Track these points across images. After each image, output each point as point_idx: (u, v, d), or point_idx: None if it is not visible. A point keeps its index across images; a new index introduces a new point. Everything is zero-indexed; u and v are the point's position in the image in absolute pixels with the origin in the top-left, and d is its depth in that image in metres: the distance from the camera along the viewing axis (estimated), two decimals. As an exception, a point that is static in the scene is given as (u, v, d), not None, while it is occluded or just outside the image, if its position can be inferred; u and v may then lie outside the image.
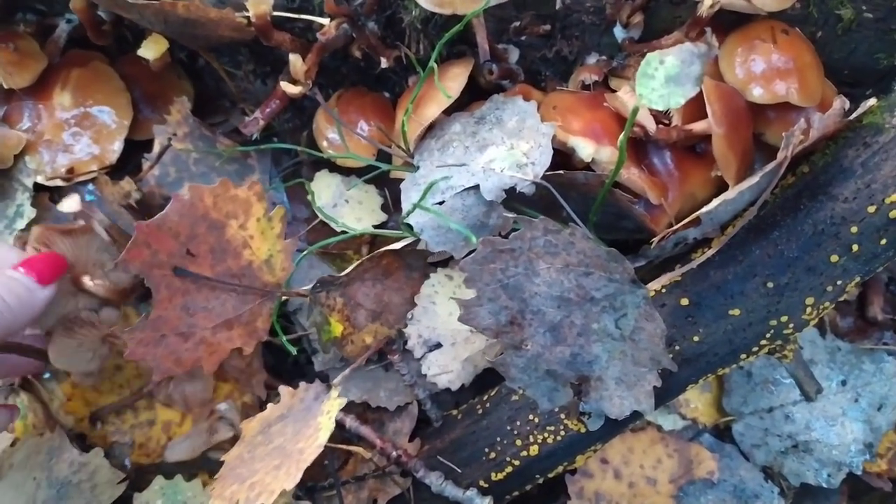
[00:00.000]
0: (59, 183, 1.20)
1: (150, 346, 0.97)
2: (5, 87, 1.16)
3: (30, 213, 1.19)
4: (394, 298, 1.15)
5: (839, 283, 0.94)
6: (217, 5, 1.05)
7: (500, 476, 1.08)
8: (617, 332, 0.92)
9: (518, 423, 1.07)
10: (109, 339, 1.02)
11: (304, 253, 1.15)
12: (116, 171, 1.24)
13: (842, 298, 0.98)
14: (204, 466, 1.14)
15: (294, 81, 1.05)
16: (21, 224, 1.18)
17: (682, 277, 0.99)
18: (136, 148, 1.26)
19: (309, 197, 1.24)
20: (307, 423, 0.94)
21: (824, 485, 1.21)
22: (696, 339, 0.98)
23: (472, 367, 1.17)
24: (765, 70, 0.96)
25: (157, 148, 1.21)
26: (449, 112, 1.08)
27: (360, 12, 1.05)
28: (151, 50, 1.08)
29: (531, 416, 1.07)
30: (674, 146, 1.00)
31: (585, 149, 0.97)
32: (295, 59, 1.02)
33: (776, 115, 1.01)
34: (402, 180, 1.08)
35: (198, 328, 0.99)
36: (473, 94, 1.11)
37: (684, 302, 0.98)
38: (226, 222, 0.99)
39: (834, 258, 0.93)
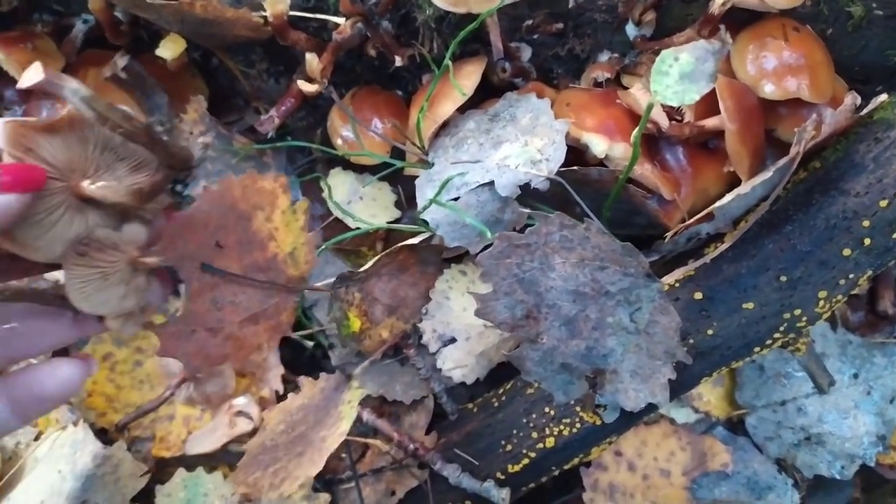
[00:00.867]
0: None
1: (181, 341, 0.96)
2: (24, 86, 1.18)
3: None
4: (409, 293, 1.17)
5: (851, 276, 0.95)
6: (234, 5, 1.07)
7: (516, 468, 1.09)
8: (632, 326, 0.93)
9: (534, 415, 1.09)
10: (140, 264, 0.76)
11: (322, 248, 1.16)
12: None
13: (854, 292, 0.99)
14: (224, 459, 1.15)
15: (310, 80, 1.07)
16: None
17: (695, 272, 1.00)
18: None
19: (324, 193, 1.26)
20: (329, 412, 0.96)
21: (837, 476, 1.22)
22: (709, 332, 0.99)
23: (487, 362, 1.19)
24: (776, 67, 0.97)
25: (174, 146, 1.22)
26: (462, 110, 1.09)
27: (374, 11, 1.06)
28: (169, 50, 1.10)
29: (547, 409, 1.08)
30: (686, 142, 1.01)
31: (599, 145, 0.99)
32: (311, 59, 1.04)
33: (787, 112, 1.02)
34: (415, 177, 1.09)
35: (225, 323, 0.99)
36: (486, 92, 1.12)
37: (698, 296, 0.99)
38: (252, 213, 0.99)
39: (846, 252, 0.94)
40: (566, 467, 1.12)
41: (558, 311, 0.93)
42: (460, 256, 1.20)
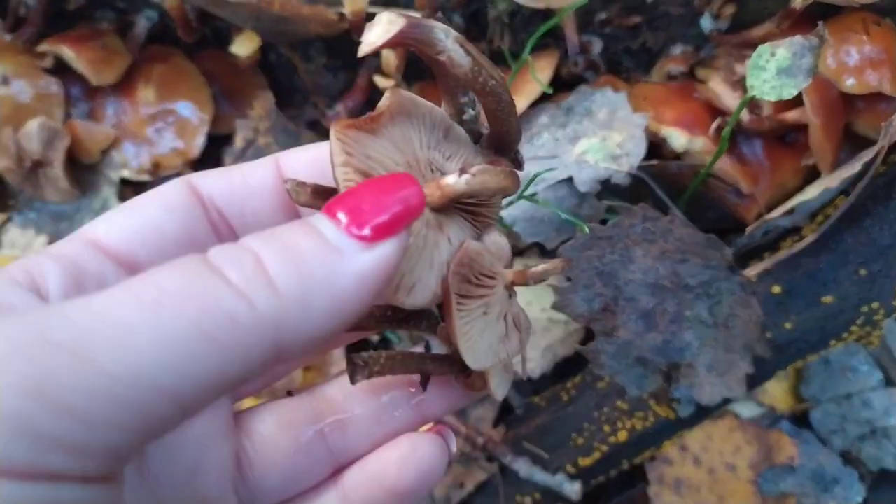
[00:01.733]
0: (145, 177, 1.22)
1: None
2: (94, 83, 1.19)
3: (116, 206, 1.21)
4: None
5: (931, 269, 0.96)
6: (309, 2, 1.07)
7: (587, 461, 1.10)
8: (710, 320, 0.94)
9: (605, 409, 1.09)
10: (515, 285, 0.52)
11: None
12: (197, 165, 1.26)
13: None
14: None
15: (385, 75, 1.07)
16: (107, 217, 1.21)
17: (773, 266, 1.01)
18: (213, 142, 1.28)
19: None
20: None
21: (902, 470, 1.22)
22: (787, 326, 0.99)
23: (552, 356, 1.19)
24: (857, 61, 0.97)
25: (240, 142, 1.24)
26: (532, 104, 1.10)
27: (447, 6, 1.06)
28: (245, 47, 1.11)
29: (619, 403, 1.09)
30: (764, 136, 1.01)
31: (679, 139, 0.99)
32: (388, 55, 1.04)
33: (865, 105, 1.02)
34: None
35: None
36: (554, 86, 1.12)
37: (776, 290, 0.99)
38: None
39: (927, 245, 0.94)
40: (636, 461, 1.13)
41: (636, 304, 0.93)
42: (523, 250, 1.21)
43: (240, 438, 0.52)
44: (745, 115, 0.99)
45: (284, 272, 0.35)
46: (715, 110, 1.00)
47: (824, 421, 1.23)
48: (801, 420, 1.27)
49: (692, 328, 0.94)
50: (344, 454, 0.52)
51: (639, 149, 0.97)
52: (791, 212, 0.96)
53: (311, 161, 0.51)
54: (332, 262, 0.36)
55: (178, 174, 1.24)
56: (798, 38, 0.77)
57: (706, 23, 1.05)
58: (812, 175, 1.01)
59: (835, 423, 1.23)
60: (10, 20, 1.21)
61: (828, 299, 0.98)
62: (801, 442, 1.22)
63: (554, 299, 0.91)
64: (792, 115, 0.97)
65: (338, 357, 1.23)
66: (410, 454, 0.51)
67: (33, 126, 1.16)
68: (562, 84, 1.12)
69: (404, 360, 0.50)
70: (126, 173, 1.23)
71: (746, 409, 1.24)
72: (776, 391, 1.26)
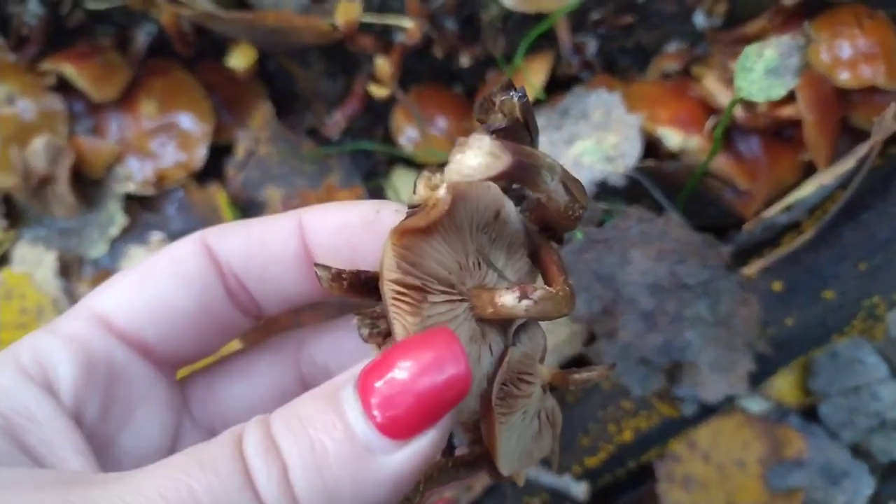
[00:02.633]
0: (150, 191, 1.24)
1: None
2: (96, 99, 1.20)
3: (122, 220, 1.23)
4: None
5: (931, 261, 0.95)
6: (302, 13, 1.08)
7: (594, 461, 1.10)
8: (710, 318, 0.94)
9: (610, 409, 1.10)
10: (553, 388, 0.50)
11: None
12: (200, 176, 1.27)
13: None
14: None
15: (380, 83, 1.08)
16: (114, 231, 1.23)
17: (773, 262, 1.00)
18: (215, 153, 1.29)
19: (389, 192, 1.27)
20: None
21: (913, 461, 1.22)
22: (789, 322, 0.99)
23: (558, 356, 1.19)
24: (851, 55, 0.96)
25: (241, 153, 1.25)
26: (529, 106, 1.10)
27: (441, 12, 1.07)
28: (241, 59, 1.12)
29: (623, 403, 1.09)
30: (760, 132, 1.00)
31: (674, 138, 0.99)
32: (382, 63, 1.05)
33: (860, 99, 1.01)
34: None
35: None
36: (548, 86, 1.12)
37: (776, 286, 0.99)
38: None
39: (926, 237, 0.94)
40: (643, 460, 1.13)
41: (636, 305, 0.94)
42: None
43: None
44: (739, 112, 0.98)
45: (308, 486, 0.33)
46: (710, 108, 1.00)
47: (833, 414, 1.23)
48: (809, 414, 1.26)
49: (693, 327, 0.95)
50: None
51: (634, 150, 0.97)
52: (788, 209, 0.95)
53: (336, 228, 0.48)
54: (360, 468, 0.33)
55: (181, 187, 1.26)
56: (785, 38, 0.77)
57: (699, 19, 1.04)
58: (811, 170, 1.01)
59: (843, 416, 1.22)
60: (13, 40, 1.22)
61: (828, 294, 0.97)
62: (809, 436, 1.21)
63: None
64: (786, 111, 0.97)
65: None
66: None
67: (39, 144, 1.18)
68: (557, 84, 1.13)
69: (440, 476, 0.45)
70: (131, 187, 1.24)
71: (754, 405, 1.24)
72: (783, 386, 1.25)
